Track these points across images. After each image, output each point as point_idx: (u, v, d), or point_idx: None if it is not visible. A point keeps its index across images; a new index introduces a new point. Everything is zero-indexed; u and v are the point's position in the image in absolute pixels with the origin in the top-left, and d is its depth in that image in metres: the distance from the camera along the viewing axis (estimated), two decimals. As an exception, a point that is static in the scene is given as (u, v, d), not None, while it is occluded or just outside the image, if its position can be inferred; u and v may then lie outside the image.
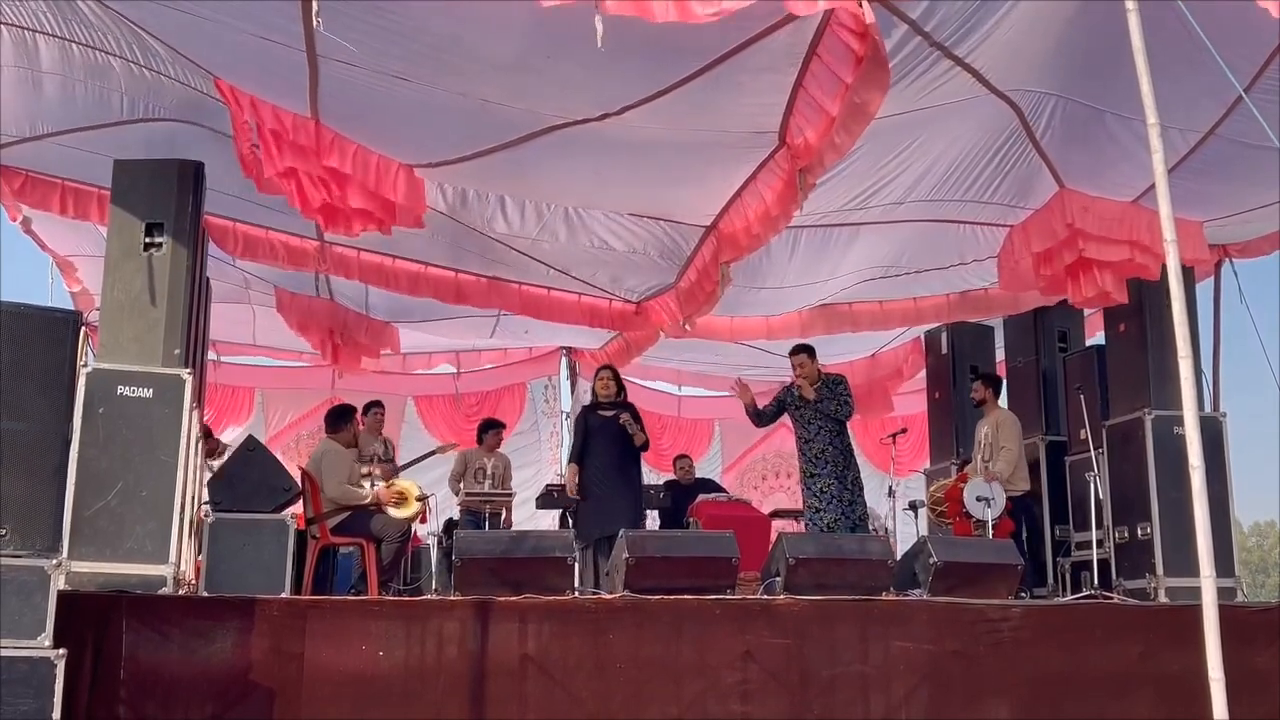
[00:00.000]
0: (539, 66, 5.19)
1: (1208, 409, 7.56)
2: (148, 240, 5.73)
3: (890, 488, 9.36)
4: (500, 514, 9.05)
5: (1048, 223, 6.93)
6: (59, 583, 4.04)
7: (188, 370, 5.58)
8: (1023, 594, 6.70)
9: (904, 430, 9.69)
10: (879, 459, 11.75)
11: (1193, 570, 4.40)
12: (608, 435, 7.80)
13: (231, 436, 10.74)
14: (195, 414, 5.77)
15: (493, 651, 5.05)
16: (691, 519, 8.56)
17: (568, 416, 12.45)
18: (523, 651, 5.09)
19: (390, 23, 4.77)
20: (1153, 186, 4.05)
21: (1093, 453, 7.49)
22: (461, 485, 9.19)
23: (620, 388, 8.12)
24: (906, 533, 9.02)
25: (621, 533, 5.86)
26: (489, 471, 9.36)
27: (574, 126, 5.83)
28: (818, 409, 7.73)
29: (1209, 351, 7.88)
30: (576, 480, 7.72)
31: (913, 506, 9.25)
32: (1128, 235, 6.78)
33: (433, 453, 9.05)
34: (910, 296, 9.22)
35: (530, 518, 10.49)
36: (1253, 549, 44.96)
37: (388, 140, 6.14)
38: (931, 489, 8.74)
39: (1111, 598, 6.75)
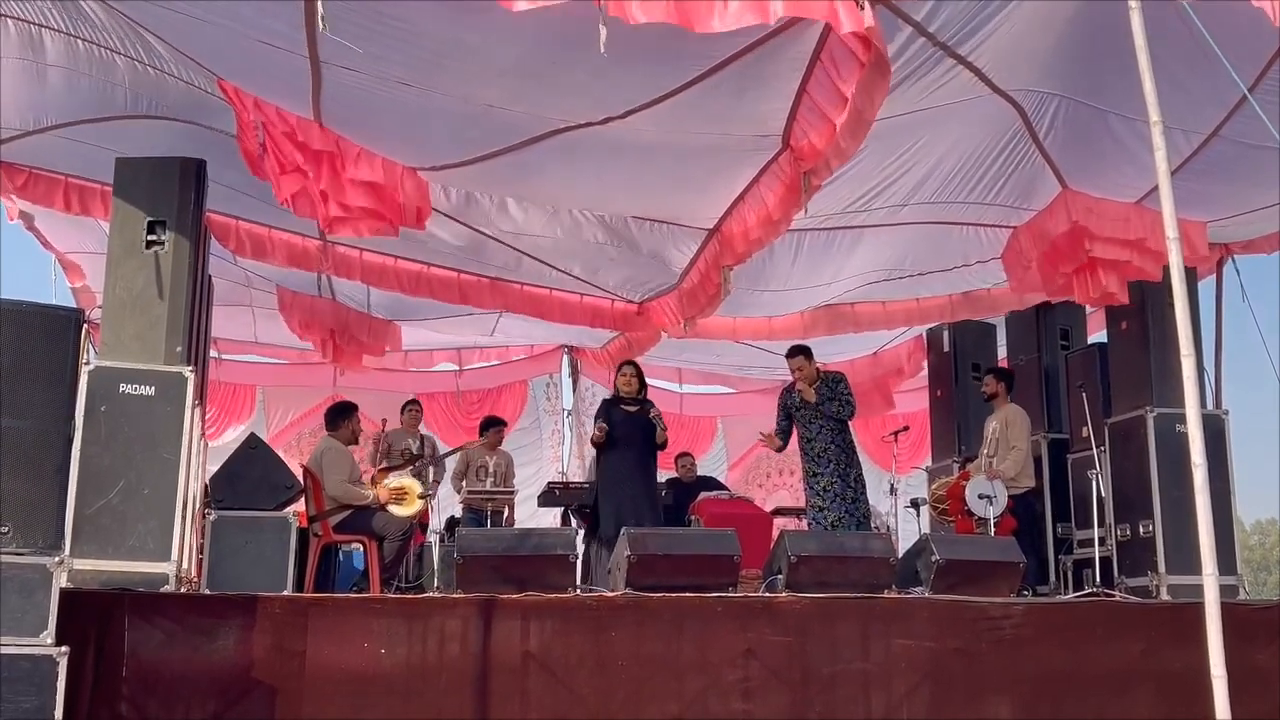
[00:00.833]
0: (542, 71, 5.18)
1: (1210, 407, 7.55)
2: (150, 238, 5.73)
3: (892, 485, 9.33)
4: (502, 512, 9.04)
5: (1053, 223, 6.92)
6: (61, 580, 4.03)
7: (190, 368, 5.58)
8: (1024, 592, 6.70)
9: (906, 428, 9.67)
10: (880, 456, 11.72)
11: (1194, 568, 4.40)
12: (629, 431, 7.74)
13: (233, 434, 10.74)
14: (197, 411, 5.77)
15: (495, 649, 5.06)
16: (693, 517, 8.53)
17: (569, 414, 12.45)
18: (524, 649, 5.09)
19: (391, 27, 4.77)
20: (1155, 188, 4.05)
21: (1095, 450, 7.48)
22: (463, 483, 9.19)
23: (643, 384, 8.03)
24: (908, 530, 9.00)
25: (623, 530, 5.86)
26: (491, 469, 9.36)
27: (577, 130, 5.82)
28: (820, 410, 7.72)
29: (1211, 349, 7.85)
30: (603, 435, 7.69)
31: (914, 504, 9.22)
32: (1133, 235, 6.78)
33: (456, 451, 9.27)
34: (913, 297, 9.23)
35: (532, 515, 10.50)
36: (1254, 547, 44.86)
37: (390, 144, 6.14)
38: (933, 486, 8.73)
39: (1113, 595, 6.74)
